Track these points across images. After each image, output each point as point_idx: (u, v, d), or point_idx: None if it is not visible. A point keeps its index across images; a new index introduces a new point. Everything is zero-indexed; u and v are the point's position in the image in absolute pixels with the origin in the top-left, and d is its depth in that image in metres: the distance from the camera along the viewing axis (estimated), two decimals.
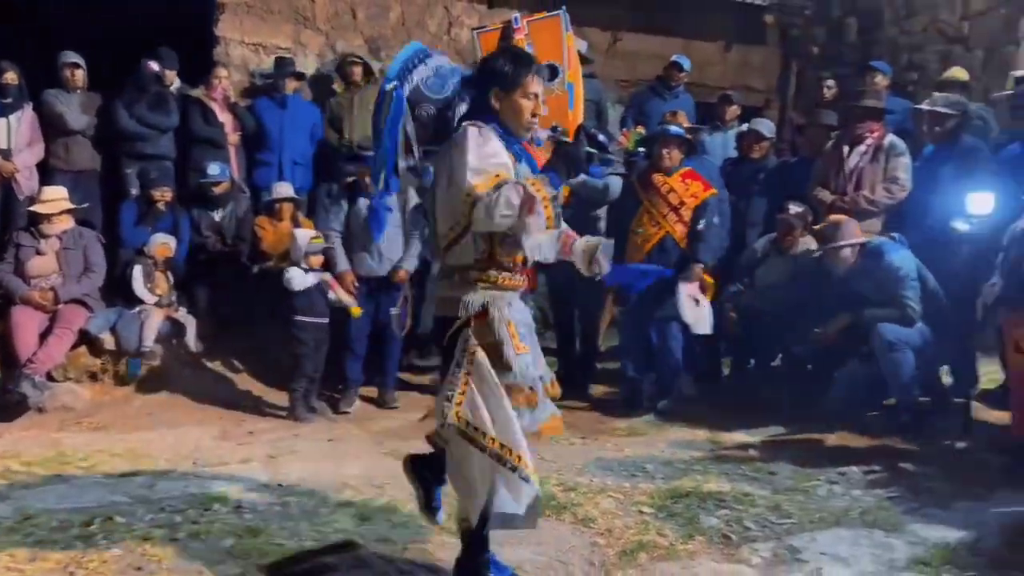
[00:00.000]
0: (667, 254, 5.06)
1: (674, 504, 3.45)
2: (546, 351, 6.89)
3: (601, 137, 6.10)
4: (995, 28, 6.91)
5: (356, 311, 5.18)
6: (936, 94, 5.28)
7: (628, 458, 4.18)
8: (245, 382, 5.56)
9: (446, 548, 2.94)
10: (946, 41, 7.35)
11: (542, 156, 6.09)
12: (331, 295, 5.15)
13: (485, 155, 2.35)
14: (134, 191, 6.00)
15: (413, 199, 5.46)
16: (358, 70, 6.66)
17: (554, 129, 6.06)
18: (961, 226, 4.56)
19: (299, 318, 5.09)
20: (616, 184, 5.43)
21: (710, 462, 4.09)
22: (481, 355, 2.38)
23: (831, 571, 2.83)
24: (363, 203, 5.33)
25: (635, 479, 3.82)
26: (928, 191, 4.86)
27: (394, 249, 5.35)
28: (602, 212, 5.62)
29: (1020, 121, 4.66)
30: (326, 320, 5.19)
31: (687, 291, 4.99)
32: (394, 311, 5.31)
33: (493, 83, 2.47)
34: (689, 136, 5.36)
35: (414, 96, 2.52)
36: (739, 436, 4.59)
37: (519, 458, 2.36)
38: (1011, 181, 4.31)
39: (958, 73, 6.06)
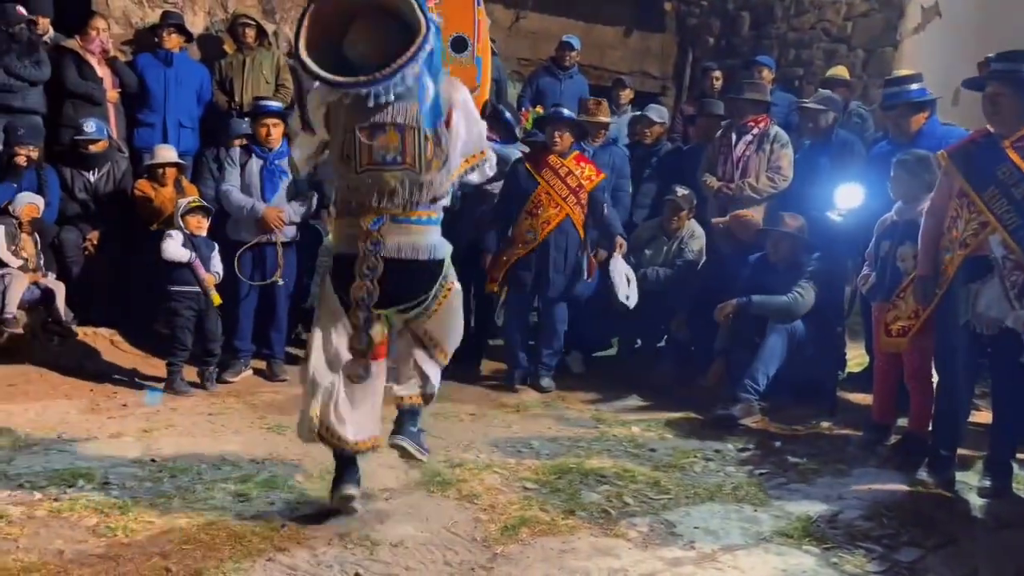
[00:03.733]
0: (565, 235, 5.10)
1: (557, 480, 3.51)
2: None
3: (508, 115, 6.07)
4: (875, 30, 7.28)
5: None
6: (820, 90, 5.53)
7: (515, 435, 4.21)
8: (119, 353, 5.27)
9: (325, 527, 2.90)
10: (830, 40, 7.70)
11: None
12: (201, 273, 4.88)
13: None
14: None
15: None
16: (251, 32, 6.38)
17: None
18: (836, 216, 4.79)
19: (173, 287, 4.83)
20: (512, 158, 5.42)
21: (594, 439, 4.17)
22: None
23: (702, 544, 2.94)
24: (256, 163, 5.14)
25: (520, 455, 3.86)
26: (806, 183, 5.10)
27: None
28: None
29: (889, 119, 4.93)
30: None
31: (622, 270, 5.10)
32: (282, 281, 5.14)
33: None
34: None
35: None
36: (624, 414, 4.70)
37: None
38: (881, 176, 4.55)
39: (840, 71, 6.36)
